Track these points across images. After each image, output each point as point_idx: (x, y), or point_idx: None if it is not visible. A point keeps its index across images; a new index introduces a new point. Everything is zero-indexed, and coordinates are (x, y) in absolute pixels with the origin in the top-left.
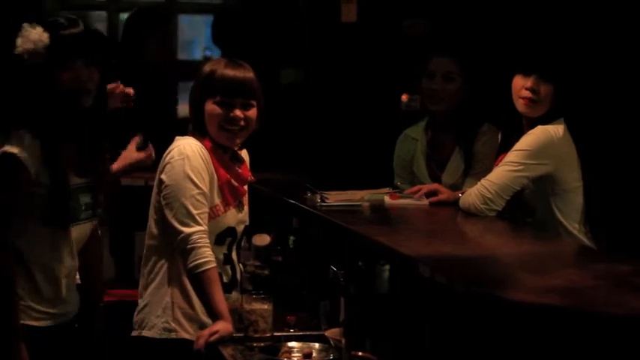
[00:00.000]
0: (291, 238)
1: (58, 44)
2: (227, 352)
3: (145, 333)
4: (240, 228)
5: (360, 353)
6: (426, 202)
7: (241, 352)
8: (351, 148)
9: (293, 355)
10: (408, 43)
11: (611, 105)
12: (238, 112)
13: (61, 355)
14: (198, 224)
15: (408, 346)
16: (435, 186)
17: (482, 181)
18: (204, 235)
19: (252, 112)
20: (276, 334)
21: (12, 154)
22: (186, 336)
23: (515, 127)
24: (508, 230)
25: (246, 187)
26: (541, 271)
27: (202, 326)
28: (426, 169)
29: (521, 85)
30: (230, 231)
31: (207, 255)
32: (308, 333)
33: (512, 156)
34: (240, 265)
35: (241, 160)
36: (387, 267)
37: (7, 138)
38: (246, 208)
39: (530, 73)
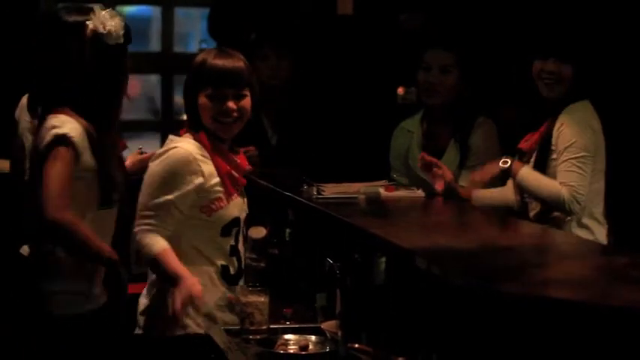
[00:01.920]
0: (288, 230)
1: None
2: (223, 344)
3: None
4: (243, 216)
5: (356, 345)
6: (421, 193)
7: (237, 344)
8: (347, 140)
9: (289, 347)
10: (404, 36)
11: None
12: (231, 104)
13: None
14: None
15: (405, 339)
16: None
17: (566, 187)
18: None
19: (246, 102)
20: (272, 326)
21: (67, 136)
22: (199, 330)
23: (538, 108)
24: (505, 222)
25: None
26: (538, 264)
27: (215, 320)
28: None
29: (540, 68)
30: (235, 221)
31: (151, 242)
32: (304, 325)
33: (571, 152)
34: None
35: (237, 151)
36: (383, 259)
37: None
38: (245, 197)
39: (549, 56)
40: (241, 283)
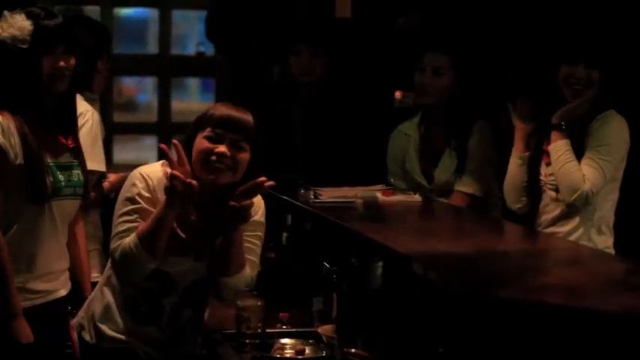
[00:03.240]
0: (284, 234)
1: (41, 32)
2: (220, 348)
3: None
4: (194, 277)
5: (352, 350)
6: (419, 198)
7: (234, 348)
8: (344, 144)
9: (285, 351)
10: (402, 39)
11: None
12: (225, 149)
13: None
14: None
15: (401, 343)
16: None
17: (587, 182)
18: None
19: (243, 156)
20: (268, 330)
21: None
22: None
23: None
24: (502, 227)
25: None
26: (535, 269)
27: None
28: (418, 164)
29: (568, 74)
30: (161, 275)
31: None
32: (300, 330)
33: (600, 152)
34: None
35: (208, 218)
36: (380, 264)
37: None
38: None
39: (578, 62)
40: (159, 330)
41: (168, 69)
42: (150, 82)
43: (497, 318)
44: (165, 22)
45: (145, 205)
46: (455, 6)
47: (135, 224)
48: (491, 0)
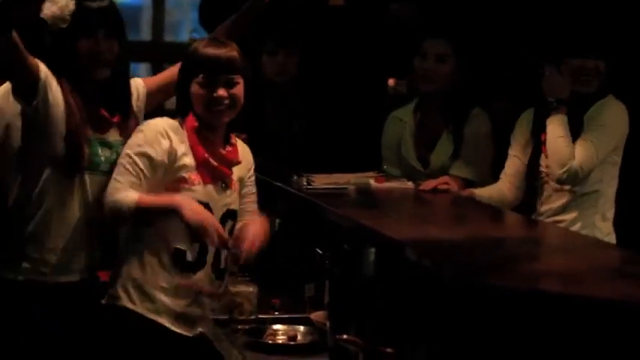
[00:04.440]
0: (277, 220)
1: (82, 13)
2: (212, 334)
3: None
4: (220, 210)
5: (344, 336)
6: (411, 185)
7: (226, 334)
8: (337, 131)
9: (278, 337)
10: (395, 26)
11: None
12: (221, 92)
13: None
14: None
15: (393, 330)
16: (444, 179)
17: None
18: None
19: (238, 89)
20: (260, 316)
21: None
22: (128, 305)
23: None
24: (497, 215)
25: (233, 170)
26: (529, 257)
27: (153, 300)
28: (414, 150)
29: (578, 66)
30: (204, 207)
31: (125, 197)
32: (293, 316)
33: (597, 132)
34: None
35: (233, 144)
36: (373, 250)
37: None
38: (233, 192)
39: (588, 54)
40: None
41: (162, 55)
42: (143, 69)
43: (490, 306)
44: (158, 9)
45: (151, 173)
46: None
47: (135, 180)
48: None
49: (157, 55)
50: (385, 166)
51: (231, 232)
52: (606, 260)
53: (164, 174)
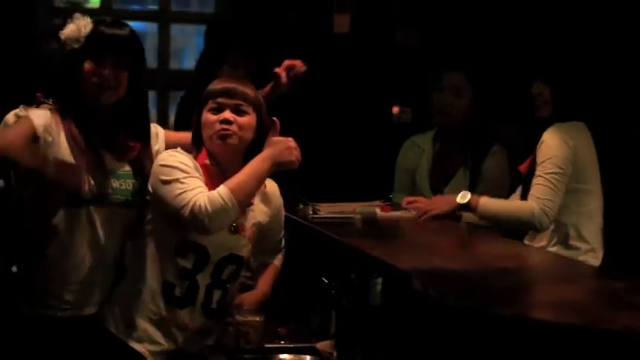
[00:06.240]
0: (283, 250)
1: (95, 36)
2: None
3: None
4: (220, 253)
5: None
6: (415, 214)
7: None
8: (342, 159)
9: None
10: (400, 55)
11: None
12: (228, 115)
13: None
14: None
15: None
16: (426, 205)
17: (536, 200)
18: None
19: (246, 119)
20: (267, 345)
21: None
22: (111, 329)
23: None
24: (501, 244)
25: (250, 214)
26: (534, 286)
27: (136, 327)
28: (428, 180)
29: (532, 91)
30: (195, 247)
31: (203, 197)
32: (299, 345)
33: (545, 168)
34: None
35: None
36: (379, 280)
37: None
38: (241, 238)
39: (536, 78)
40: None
41: (167, 83)
42: (149, 96)
43: (496, 335)
44: (164, 37)
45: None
46: (454, 22)
47: (196, 181)
48: (488, 14)
49: (163, 81)
50: (393, 194)
51: (233, 276)
52: (609, 290)
53: None
